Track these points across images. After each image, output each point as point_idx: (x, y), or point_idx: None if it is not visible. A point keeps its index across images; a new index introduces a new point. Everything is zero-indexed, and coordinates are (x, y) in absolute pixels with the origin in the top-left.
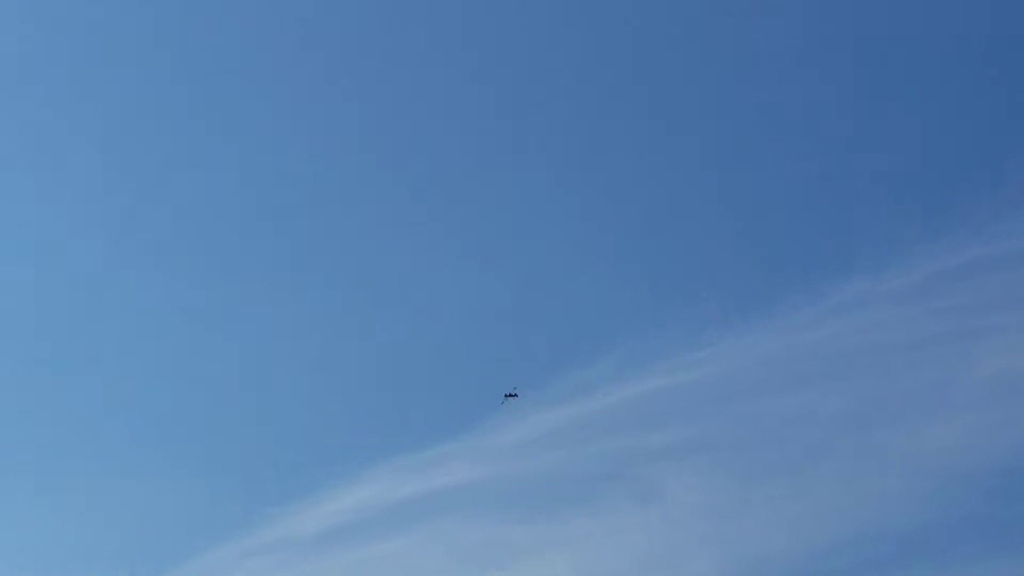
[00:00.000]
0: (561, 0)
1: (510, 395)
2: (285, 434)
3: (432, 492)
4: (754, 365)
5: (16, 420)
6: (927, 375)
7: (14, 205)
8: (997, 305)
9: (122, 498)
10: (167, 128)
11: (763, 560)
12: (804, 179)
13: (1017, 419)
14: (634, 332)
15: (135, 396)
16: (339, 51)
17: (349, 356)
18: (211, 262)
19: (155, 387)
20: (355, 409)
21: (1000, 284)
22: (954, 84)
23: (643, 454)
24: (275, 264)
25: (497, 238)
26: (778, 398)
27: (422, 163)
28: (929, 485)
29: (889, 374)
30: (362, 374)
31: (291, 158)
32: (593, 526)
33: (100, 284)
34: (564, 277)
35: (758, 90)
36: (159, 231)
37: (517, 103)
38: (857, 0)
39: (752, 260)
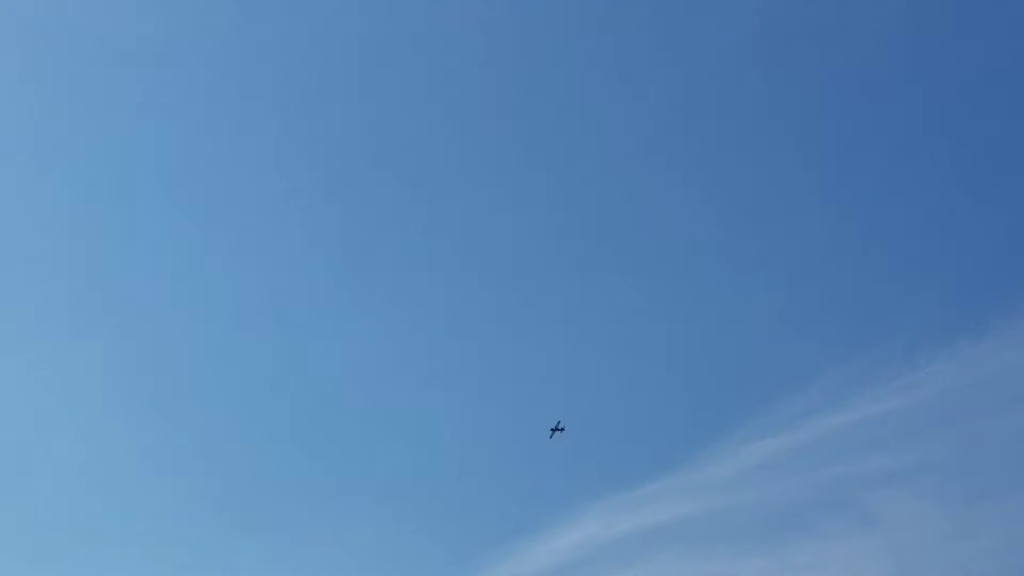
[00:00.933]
0: None
1: (556, 429)
2: (501, 477)
3: (648, 529)
4: (970, 385)
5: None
6: None
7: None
8: None
9: (358, 545)
10: None
11: None
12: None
13: None
14: (843, 358)
15: (363, 450)
16: None
17: (559, 398)
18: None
19: (375, 439)
20: (568, 450)
21: None
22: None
23: (862, 480)
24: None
25: (696, 280)
26: (1000, 417)
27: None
28: None
29: None
30: (573, 415)
31: None
32: (816, 555)
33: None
34: (768, 309)
35: None
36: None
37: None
38: None
39: (960, 279)
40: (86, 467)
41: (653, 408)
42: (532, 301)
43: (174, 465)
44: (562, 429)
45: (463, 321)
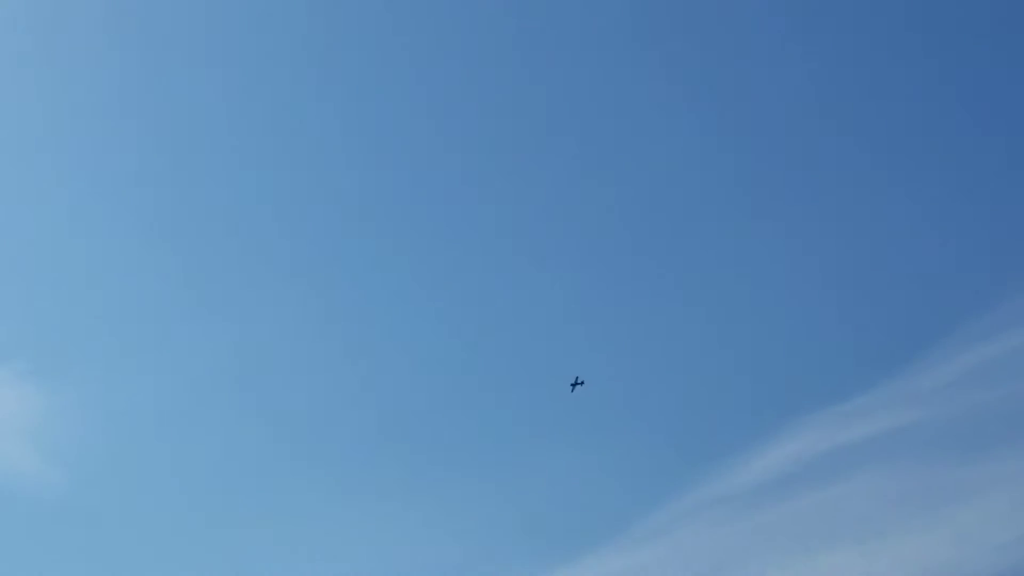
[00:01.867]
0: None
1: (576, 383)
2: (711, 395)
3: (859, 441)
4: None
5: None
6: None
7: None
8: None
9: (567, 474)
10: None
11: None
12: None
13: None
14: None
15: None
16: None
17: (771, 319)
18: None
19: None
20: (777, 366)
21: None
22: None
23: None
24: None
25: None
26: None
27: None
28: None
29: None
30: (773, 332)
31: None
32: None
33: None
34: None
35: None
36: None
37: None
38: None
39: None
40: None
41: (860, 320)
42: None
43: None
44: (582, 383)
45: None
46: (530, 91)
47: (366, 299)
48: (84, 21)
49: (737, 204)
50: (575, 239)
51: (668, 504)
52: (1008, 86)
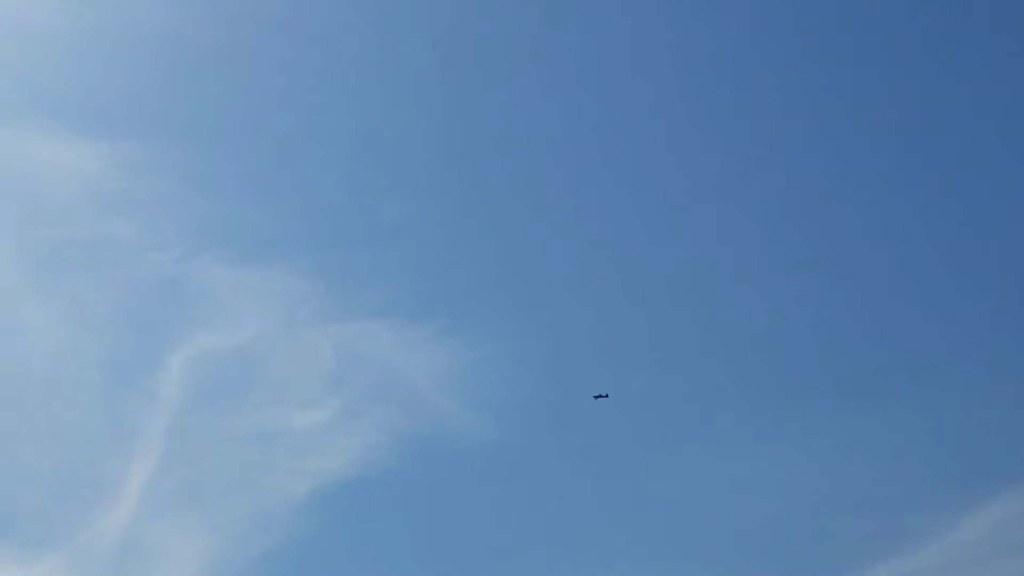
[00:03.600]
0: None
1: (600, 396)
2: None
3: None
4: None
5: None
6: None
7: None
8: None
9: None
10: None
11: None
12: None
13: None
14: None
15: None
16: None
17: None
18: None
19: None
20: None
21: None
22: None
23: None
24: None
25: None
26: None
27: None
28: None
29: None
30: None
31: None
32: None
33: None
34: None
35: None
36: None
37: None
38: None
39: None
40: None
41: None
42: None
43: None
44: (605, 396)
45: None
46: None
47: None
48: None
49: None
50: None
51: None
52: None
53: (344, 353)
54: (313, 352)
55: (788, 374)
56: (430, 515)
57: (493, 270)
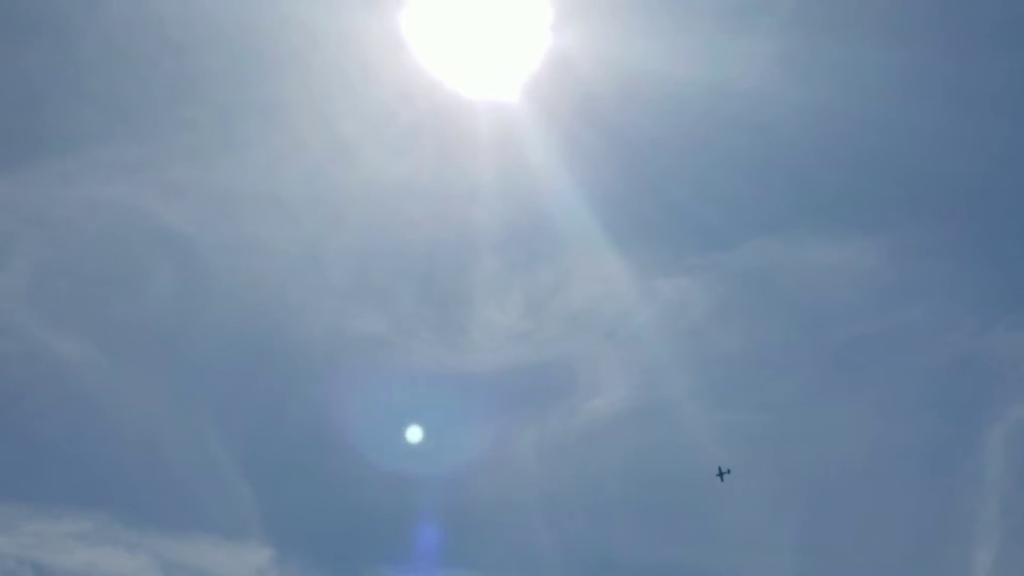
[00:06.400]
0: None
1: (722, 473)
2: None
3: None
4: None
5: None
6: None
7: None
8: None
9: None
10: None
11: None
12: None
13: None
14: None
15: None
16: None
17: None
18: None
19: None
20: None
21: None
22: None
23: None
24: None
25: None
26: None
27: None
28: None
29: None
30: None
31: None
32: None
33: None
34: None
35: None
36: None
37: None
38: None
39: None
40: None
41: None
42: None
43: None
44: (728, 472)
45: None
46: None
47: None
48: None
49: None
50: None
51: None
52: None
53: None
54: None
55: None
56: None
57: None
